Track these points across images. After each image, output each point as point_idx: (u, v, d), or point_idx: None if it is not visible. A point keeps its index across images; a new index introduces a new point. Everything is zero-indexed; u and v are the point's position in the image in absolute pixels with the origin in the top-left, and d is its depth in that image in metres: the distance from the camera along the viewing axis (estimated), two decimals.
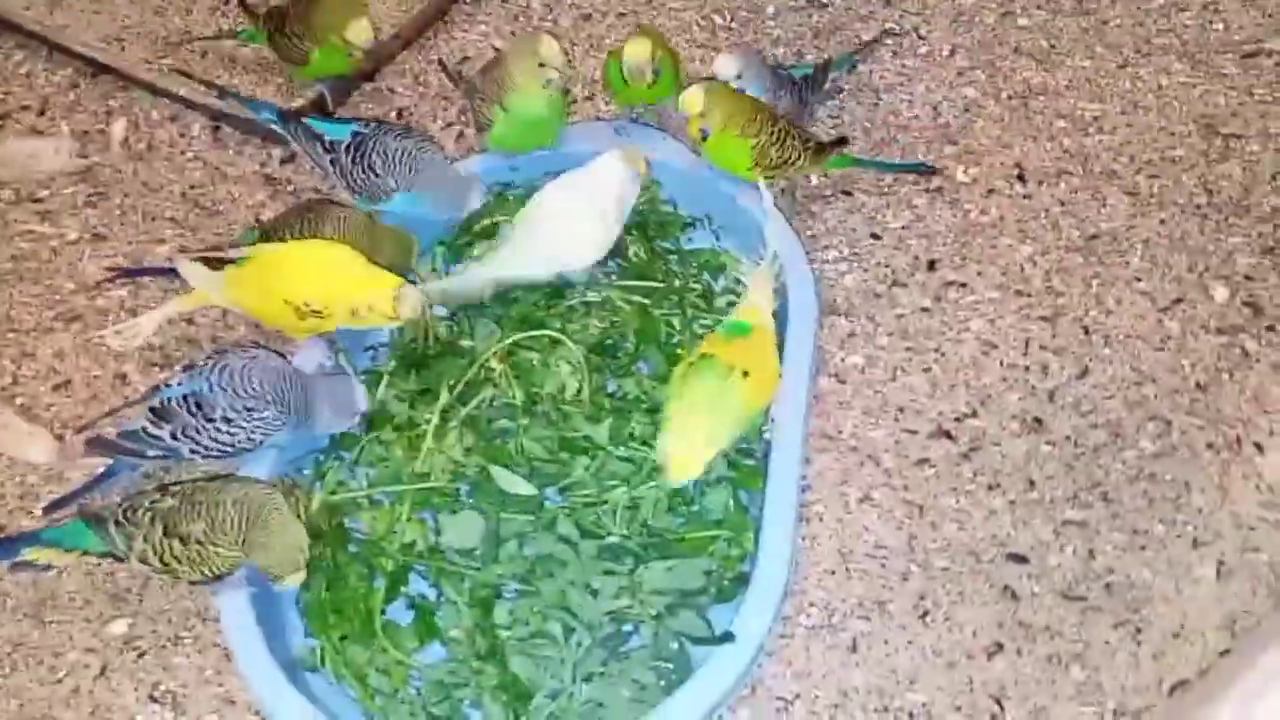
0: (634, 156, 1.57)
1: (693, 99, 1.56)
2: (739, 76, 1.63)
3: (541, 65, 1.57)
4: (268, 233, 1.57)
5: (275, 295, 1.45)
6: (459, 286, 1.56)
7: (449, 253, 1.67)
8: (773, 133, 1.57)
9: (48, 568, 1.36)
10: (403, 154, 1.56)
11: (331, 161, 1.58)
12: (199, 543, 1.28)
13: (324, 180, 1.67)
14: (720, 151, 1.60)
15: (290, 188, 1.83)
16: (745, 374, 1.35)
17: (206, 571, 1.30)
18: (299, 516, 1.38)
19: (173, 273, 1.49)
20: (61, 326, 1.70)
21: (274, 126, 1.64)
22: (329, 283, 1.45)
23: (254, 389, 1.37)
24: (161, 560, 1.29)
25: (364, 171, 1.56)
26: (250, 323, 1.61)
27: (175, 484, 1.35)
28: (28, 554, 1.33)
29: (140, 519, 1.30)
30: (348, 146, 1.56)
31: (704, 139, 1.58)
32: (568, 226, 1.55)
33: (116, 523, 1.30)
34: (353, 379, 1.45)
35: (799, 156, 1.60)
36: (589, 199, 1.55)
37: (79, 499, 1.44)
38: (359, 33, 1.73)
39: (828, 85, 1.78)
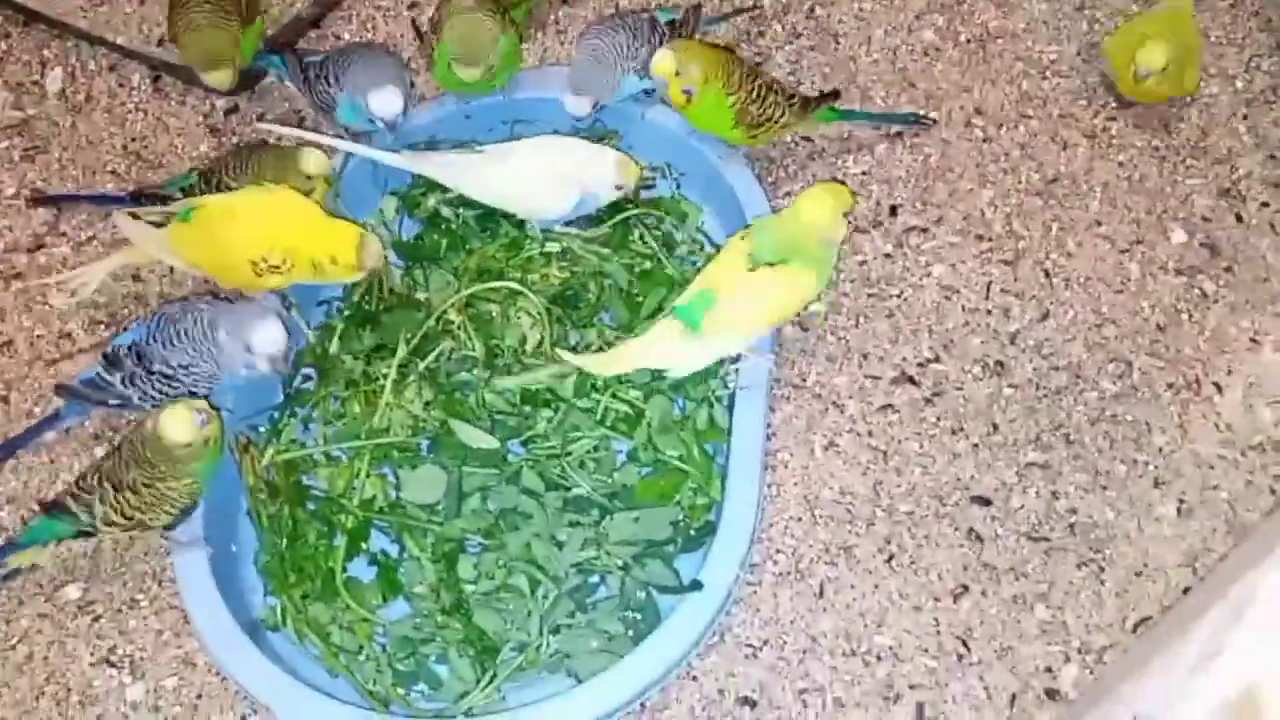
0: (628, 168, 1.51)
1: (664, 63, 1.47)
2: (596, 106, 1.58)
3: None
4: (207, 174, 1.54)
5: (229, 250, 1.40)
6: (420, 164, 1.54)
7: (402, 204, 1.63)
8: (751, 89, 1.51)
9: (34, 568, 1.36)
10: (344, 60, 1.58)
11: (304, 81, 1.62)
12: (145, 485, 1.25)
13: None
14: (702, 112, 1.53)
15: (235, 139, 1.77)
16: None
17: (170, 509, 1.28)
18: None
19: (104, 200, 1.45)
20: (1, 285, 1.65)
21: (276, 72, 1.70)
22: (288, 233, 1.39)
23: (179, 341, 1.34)
24: (124, 515, 1.27)
25: (323, 83, 1.59)
26: (200, 279, 1.56)
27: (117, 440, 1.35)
28: (12, 562, 1.32)
29: (91, 484, 1.28)
30: (316, 65, 1.61)
31: (689, 101, 1.51)
32: (529, 177, 1.51)
33: (72, 496, 1.28)
34: (256, 315, 1.35)
35: (782, 113, 1.54)
36: (561, 170, 1.50)
37: (29, 441, 1.43)
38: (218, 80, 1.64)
39: (699, 35, 1.69)
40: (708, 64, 1.49)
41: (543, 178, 1.51)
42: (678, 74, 1.48)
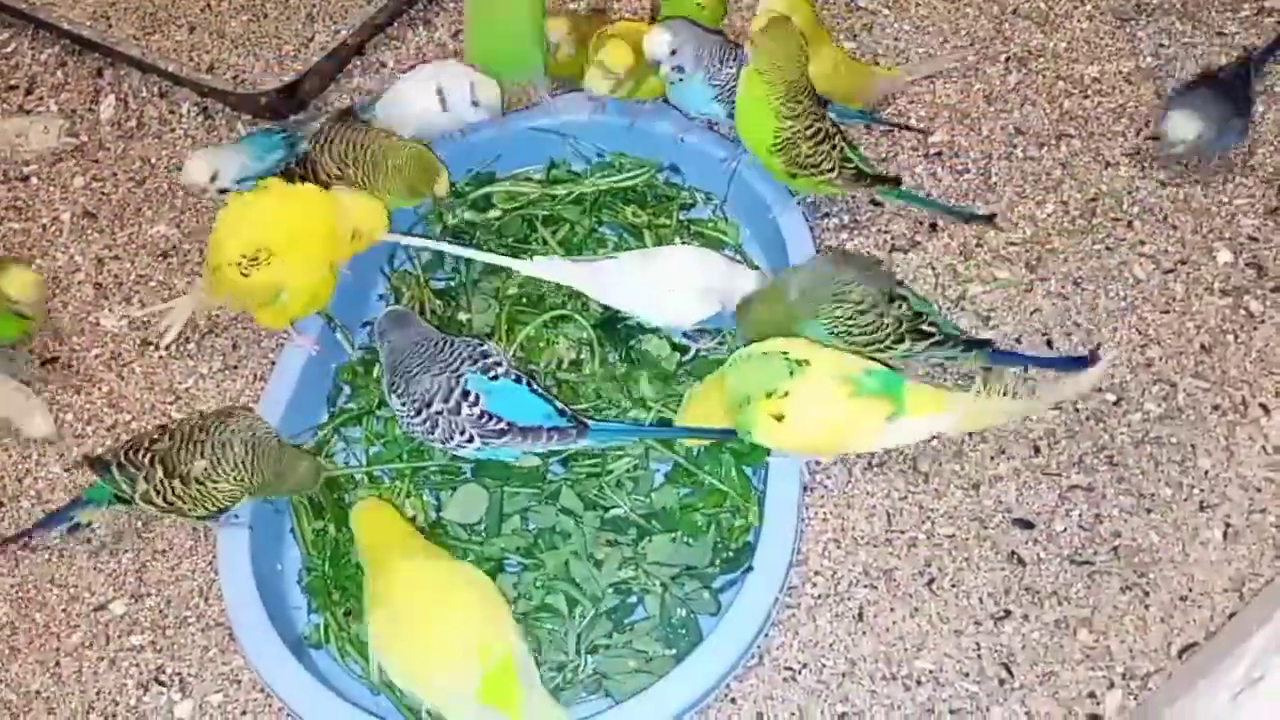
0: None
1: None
2: (673, 53, 1.55)
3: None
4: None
5: (218, 255, 1.40)
6: (555, 271, 1.49)
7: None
8: (812, 127, 1.49)
9: (89, 524, 1.46)
10: None
11: None
12: (199, 482, 1.29)
13: None
14: (748, 114, 1.51)
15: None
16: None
17: (209, 507, 1.32)
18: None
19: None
20: (58, 307, 1.69)
21: None
22: (282, 223, 1.40)
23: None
24: (165, 500, 1.31)
25: None
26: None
27: (173, 424, 1.36)
28: (80, 517, 1.42)
29: (140, 460, 1.32)
30: None
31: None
32: (673, 286, 1.46)
33: (119, 465, 1.33)
34: None
35: (832, 167, 1.52)
36: (706, 283, 1.46)
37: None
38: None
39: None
40: (784, 52, 1.46)
41: (688, 288, 1.46)
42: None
